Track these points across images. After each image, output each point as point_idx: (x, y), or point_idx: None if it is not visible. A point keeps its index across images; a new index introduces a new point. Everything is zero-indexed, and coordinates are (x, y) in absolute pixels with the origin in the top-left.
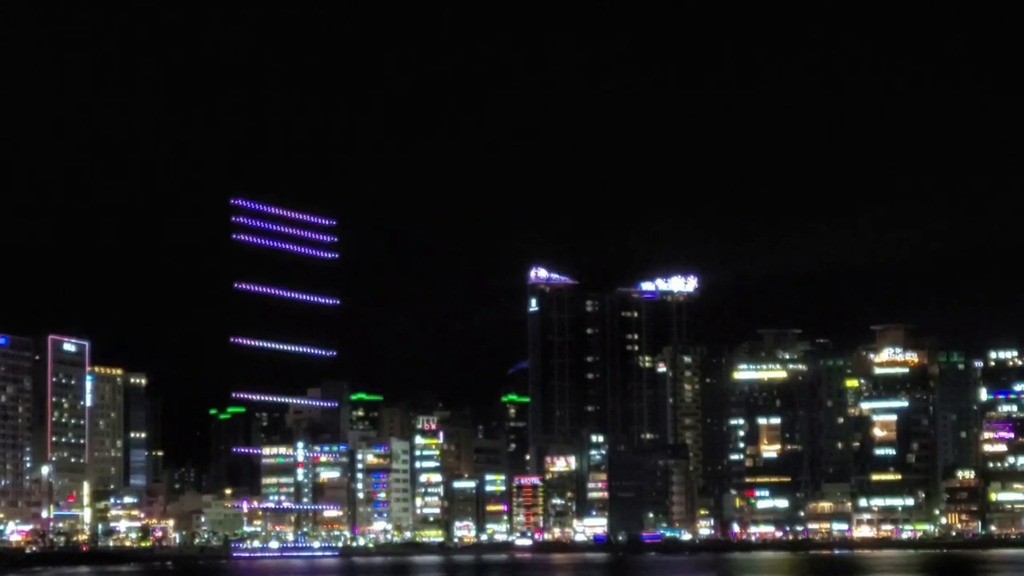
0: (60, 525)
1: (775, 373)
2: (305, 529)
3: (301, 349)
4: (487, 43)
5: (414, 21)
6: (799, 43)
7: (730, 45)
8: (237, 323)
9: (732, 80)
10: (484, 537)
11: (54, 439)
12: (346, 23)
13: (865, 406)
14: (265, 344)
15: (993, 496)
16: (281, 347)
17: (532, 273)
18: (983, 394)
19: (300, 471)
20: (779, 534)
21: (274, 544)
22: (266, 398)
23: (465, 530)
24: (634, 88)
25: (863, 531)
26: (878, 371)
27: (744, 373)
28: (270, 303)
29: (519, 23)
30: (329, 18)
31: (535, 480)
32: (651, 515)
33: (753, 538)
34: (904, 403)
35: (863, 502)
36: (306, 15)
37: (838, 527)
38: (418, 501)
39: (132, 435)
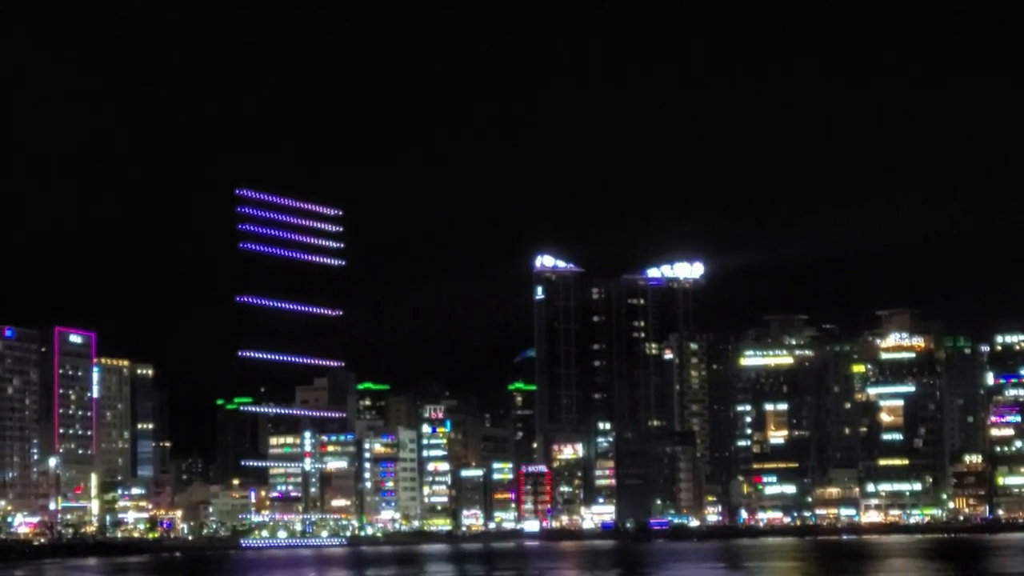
0: (68, 517)
1: (782, 359)
2: (313, 519)
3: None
4: (492, 34)
5: (418, 12)
6: (805, 32)
7: (735, 35)
8: (243, 315)
9: (737, 69)
10: (492, 525)
11: (61, 431)
12: (350, 17)
13: (872, 391)
14: (270, 336)
15: (1000, 480)
16: (286, 340)
17: (538, 261)
18: (990, 378)
19: (307, 461)
20: (787, 520)
21: (282, 534)
22: (269, 410)
23: (473, 518)
24: (640, 77)
25: (871, 516)
26: (885, 356)
27: (751, 359)
28: (275, 295)
29: (524, 14)
30: (333, 13)
31: (542, 468)
32: (659, 502)
33: (761, 524)
34: (911, 388)
35: (871, 487)
36: (310, 11)
37: (846, 512)
38: (426, 490)
39: (139, 426)
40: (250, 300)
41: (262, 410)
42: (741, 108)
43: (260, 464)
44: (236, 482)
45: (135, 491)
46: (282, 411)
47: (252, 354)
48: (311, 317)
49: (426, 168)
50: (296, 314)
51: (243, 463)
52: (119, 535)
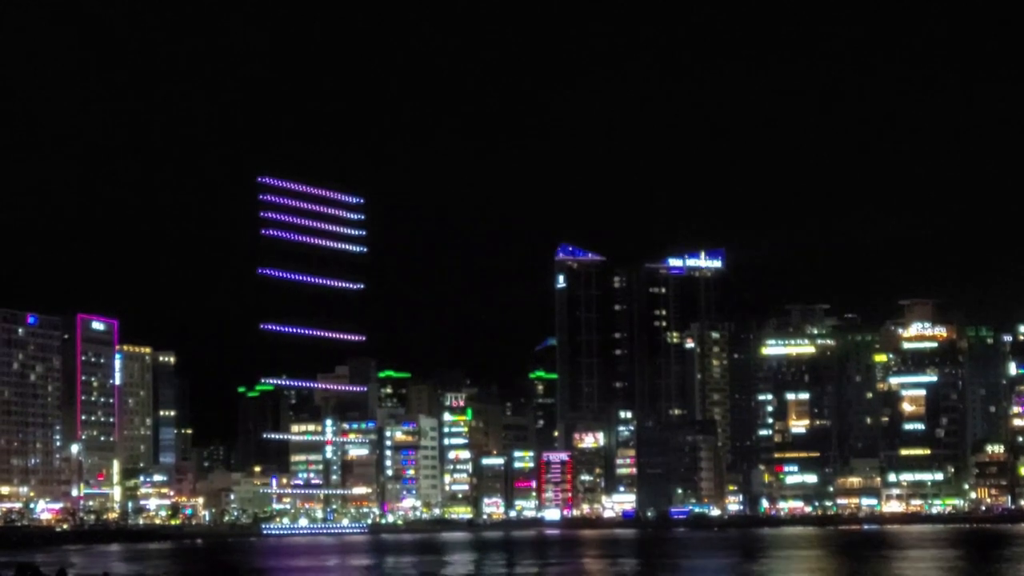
0: (90, 503)
1: (803, 348)
2: (334, 506)
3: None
4: (517, 25)
5: (441, 4)
6: (826, 20)
7: (758, 24)
8: (264, 302)
9: (759, 58)
10: (513, 513)
11: (84, 417)
12: (374, 5)
13: (894, 381)
14: (292, 322)
15: (1022, 470)
16: (308, 326)
17: (560, 250)
18: (1012, 368)
19: (329, 449)
20: (808, 509)
21: (303, 521)
22: (292, 383)
23: (494, 507)
24: (662, 67)
25: (892, 506)
26: (906, 346)
27: (772, 348)
28: (297, 282)
29: (551, 5)
30: (354, 5)
31: (563, 456)
32: (680, 491)
33: (782, 513)
34: (933, 378)
35: (892, 477)
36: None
37: (867, 502)
38: (447, 478)
39: (161, 413)
40: (272, 276)
41: (286, 383)
42: (764, 97)
43: (281, 437)
44: (257, 469)
45: (157, 478)
46: (304, 384)
47: (275, 328)
48: (333, 294)
49: (449, 157)
50: (318, 289)
51: (265, 436)
52: (141, 522)
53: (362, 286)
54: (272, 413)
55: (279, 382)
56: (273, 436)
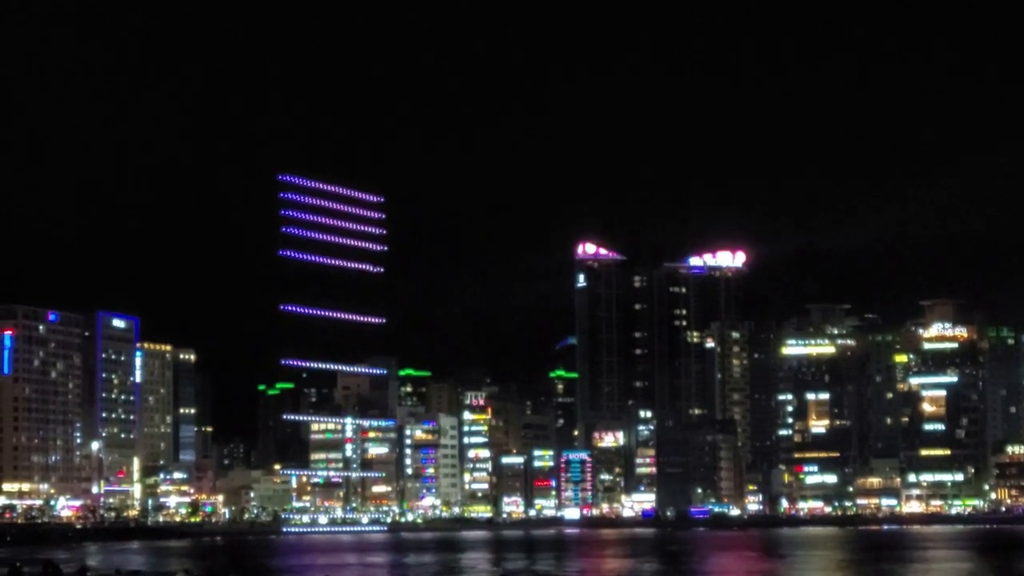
0: (110, 501)
1: (823, 348)
2: (354, 504)
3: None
4: (536, 20)
5: (458, 4)
6: (847, 21)
7: (780, 25)
8: (285, 300)
9: (781, 58)
10: (532, 512)
11: (104, 415)
12: (392, 8)
13: (914, 381)
14: (313, 317)
15: None
16: (329, 322)
17: (580, 249)
18: None
19: (349, 446)
20: (828, 509)
21: (323, 519)
22: (315, 365)
23: (513, 506)
24: (684, 65)
25: (912, 506)
26: (927, 346)
27: (792, 348)
28: (317, 280)
29: (568, 4)
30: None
31: (583, 455)
32: (699, 491)
33: (802, 513)
34: (953, 378)
35: (912, 477)
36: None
37: (887, 502)
38: (466, 477)
39: (181, 411)
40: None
41: (307, 364)
42: (785, 96)
43: (300, 418)
44: (277, 467)
45: (177, 476)
46: (323, 366)
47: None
48: (353, 291)
49: (468, 155)
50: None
51: (285, 417)
52: (161, 519)
53: (383, 284)
54: (292, 410)
55: (300, 363)
56: (292, 418)
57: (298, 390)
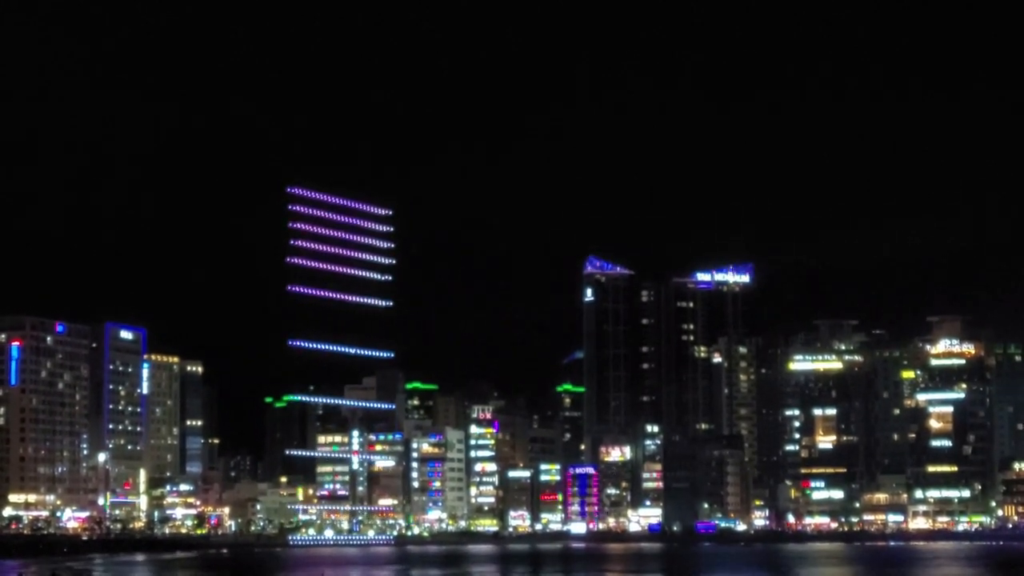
0: (116, 512)
1: (831, 364)
2: (360, 518)
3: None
4: (544, 37)
5: (466, 15)
6: (853, 43)
7: (786, 45)
8: (292, 312)
9: (788, 78)
10: (539, 526)
11: (111, 426)
12: (401, 21)
13: (921, 397)
14: (320, 332)
15: None
16: (336, 337)
17: (588, 263)
18: None
19: (355, 460)
20: (834, 525)
21: (329, 532)
22: (319, 399)
23: (520, 519)
24: (691, 83)
25: (919, 523)
26: (934, 362)
27: (799, 364)
28: (325, 291)
29: (578, 18)
30: (386, 15)
31: (590, 470)
32: (706, 505)
33: (808, 529)
34: (960, 395)
35: (919, 494)
36: (363, 10)
37: (893, 519)
38: (473, 490)
39: (188, 423)
40: (300, 286)
41: (313, 399)
42: (792, 115)
43: (306, 454)
44: (284, 479)
45: (183, 487)
46: (331, 400)
47: (303, 344)
48: (361, 305)
49: (477, 170)
50: (345, 299)
51: (288, 452)
52: (167, 531)
53: (390, 298)
54: (299, 424)
55: (306, 399)
56: (297, 453)
57: (305, 403)
